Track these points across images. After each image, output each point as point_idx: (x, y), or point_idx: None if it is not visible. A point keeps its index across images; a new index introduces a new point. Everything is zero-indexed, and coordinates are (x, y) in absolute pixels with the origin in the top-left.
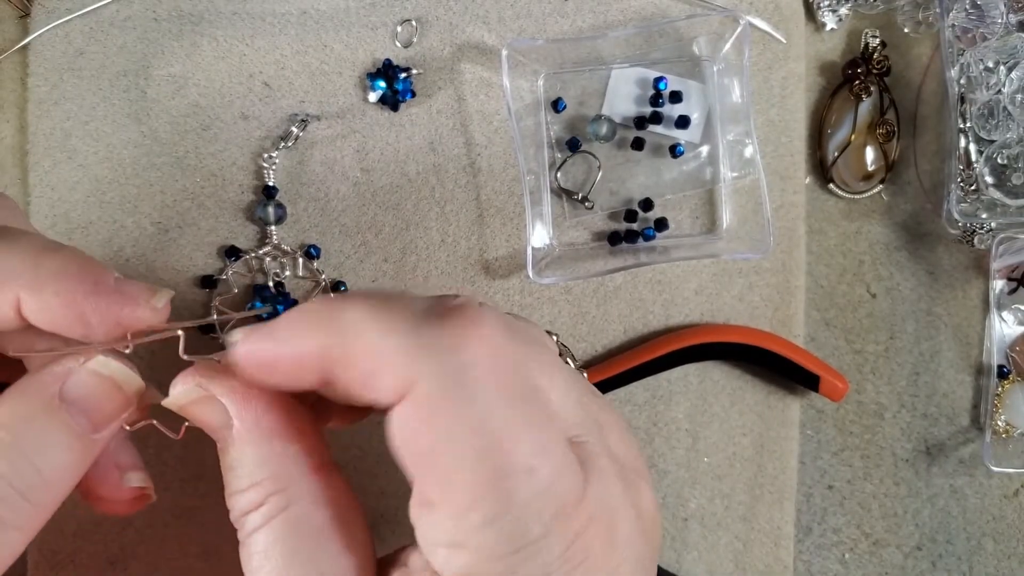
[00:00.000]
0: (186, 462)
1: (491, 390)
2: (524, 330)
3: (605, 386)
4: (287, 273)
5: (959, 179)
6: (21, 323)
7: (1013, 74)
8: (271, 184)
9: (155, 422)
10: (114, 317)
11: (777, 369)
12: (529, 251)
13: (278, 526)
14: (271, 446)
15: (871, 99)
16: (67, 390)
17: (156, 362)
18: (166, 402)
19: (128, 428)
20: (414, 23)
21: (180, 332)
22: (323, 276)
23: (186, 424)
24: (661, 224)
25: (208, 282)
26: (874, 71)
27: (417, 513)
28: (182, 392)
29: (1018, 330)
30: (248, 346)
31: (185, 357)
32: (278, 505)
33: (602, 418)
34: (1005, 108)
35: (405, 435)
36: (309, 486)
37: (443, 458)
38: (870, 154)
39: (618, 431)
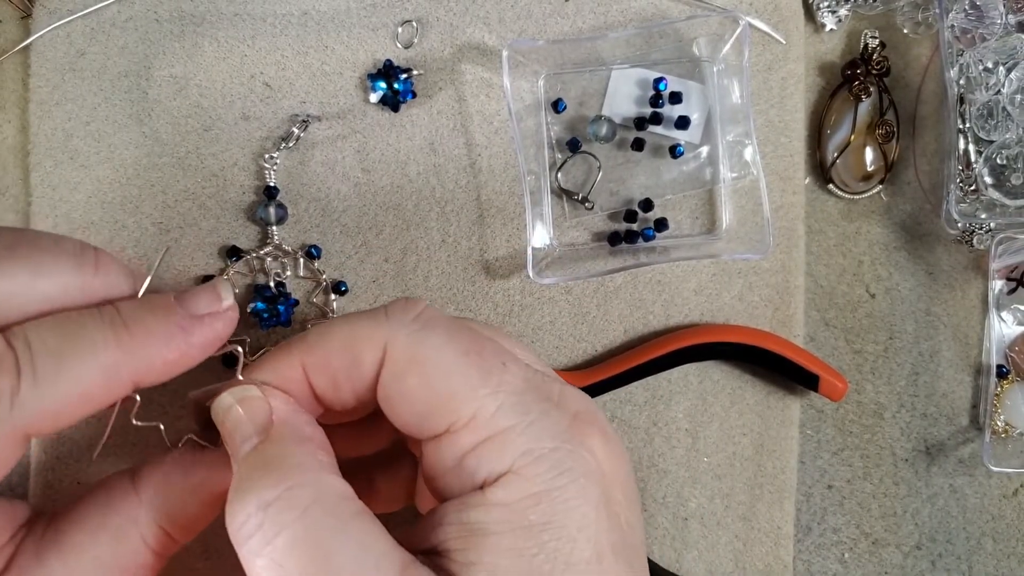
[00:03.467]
0: None
1: (446, 324)
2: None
3: (605, 386)
4: (288, 273)
5: (958, 179)
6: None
7: (1012, 75)
8: (272, 184)
9: (160, 425)
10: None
11: (777, 369)
12: (529, 251)
13: (311, 518)
14: (302, 445)
15: (870, 100)
16: (184, 297)
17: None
18: (217, 405)
19: (136, 423)
20: (415, 24)
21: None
22: (324, 276)
23: (188, 437)
24: (661, 224)
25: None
26: (873, 72)
27: (433, 449)
28: (237, 391)
29: (1017, 330)
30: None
31: (194, 394)
32: (305, 497)
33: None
34: (1004, 109)
35: (397, 387)
36: (335, 484)
37: (435, 380)
38: (869, 154)
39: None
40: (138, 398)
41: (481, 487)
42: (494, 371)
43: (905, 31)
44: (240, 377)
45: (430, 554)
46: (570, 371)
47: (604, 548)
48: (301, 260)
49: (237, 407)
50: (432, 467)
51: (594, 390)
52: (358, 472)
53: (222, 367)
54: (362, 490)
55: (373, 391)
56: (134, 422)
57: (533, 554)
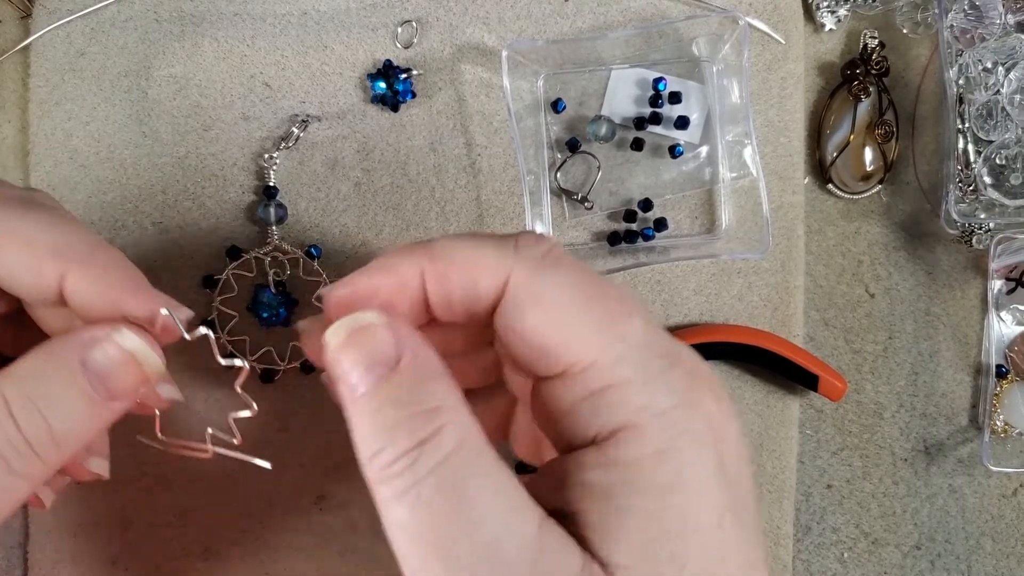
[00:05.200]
0: (187, 462)
1: (574, 266)
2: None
3: None
4: (288, 273)
5: (957, 179)
6: (56, 297)
7: (1011, 74)
8: (272, 184)
9: (184, 444)
10: (147, 317)
11: (776, 369)
12: None
13: (459, 459)
14: (440, 381)
15: (870, 99)
16: (90, 357)
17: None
18: (328, 334)
19: (161, 438)
20: (414, 24)
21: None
22: (324, 276)
23: (212, 448)
24: (660, 224)
25: (209, 282)
26: (873, 72)
27: (546, 389)
28: (352, 320)
29: (1016, 330)
30: (361, 279)
31: (321, 293)
32: (453, 437)
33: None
34: (1003, 108)
35: (517, 322)
36: (476, 427)
37: (558, 321)
38: (869, 154)
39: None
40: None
41: (594, 440)
42: (618, 321)
43: (904, 31)
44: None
45: (556, 515)
46: None
47: (724, 510)
48: (301, 260)
49: (358, 335)
50: (544, 407)
51: None
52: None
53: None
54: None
55: (488, 315)
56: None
57: (661, 516)
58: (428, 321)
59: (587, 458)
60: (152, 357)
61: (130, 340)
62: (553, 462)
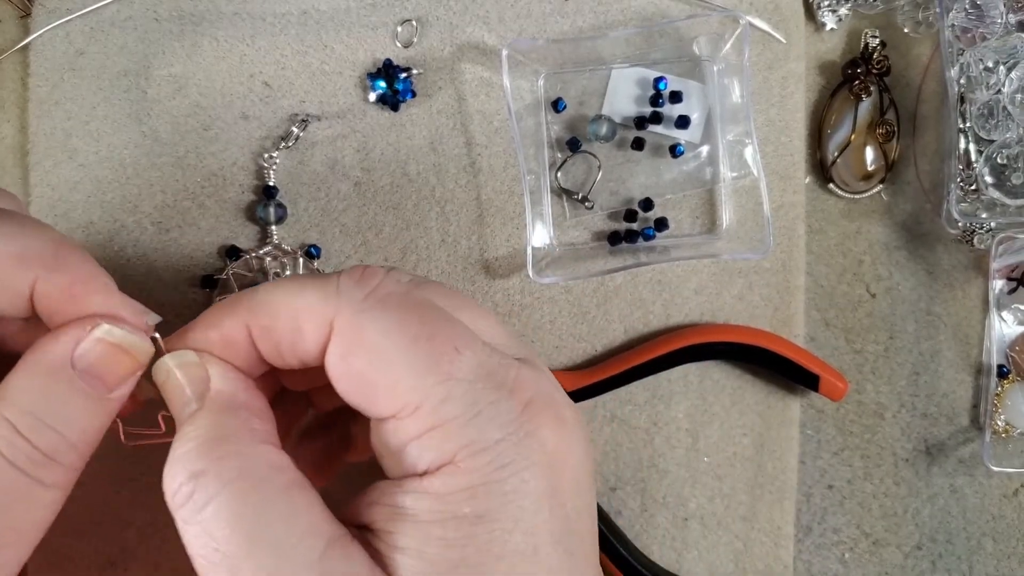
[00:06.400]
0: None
1: (399, 303)
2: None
3: (605, 386)
4: (288, 273)
5: (959, 179)
6: (28, 309)
7: (1013, 74)
8: (271, 184)
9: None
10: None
11: (777, 369)
12: (529, 251)
13: (240, 488)
14: (235, 413)
15: (871, 99)
16: (77, 356)
17: None
18: (158, 365)
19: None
20: (414, 23)
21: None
22: None
23: (162, 414)
24: (661, 224)
25: (209, 282)
26: (874, 71)
27: (379, 430)
28: (176, 355)
29: (1018, 330)
30: (190, 335)
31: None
32: (234, 466)
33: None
34: (1005, 108)
35: (343, 368)
36: (265, 454)
37: (381, 366)
38: (870, 154)
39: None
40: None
41: (422, 475)
42: (444, 359)
43: (906, 30)
44: (156, 335)
45: (363, 530)
46: (570, 371)
47: (542, 539)
48: (301, 260)
49: (176, 372)
50: (378, 446)
51: (594, 390)
52: (336, 421)
53: None
54: (340, 439)
55: (320, 361)
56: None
57: (463, 545)
58: (268, 369)
59: (406, 483)
60: (139, 343)
61: (113, 331)
62: (375, 482)
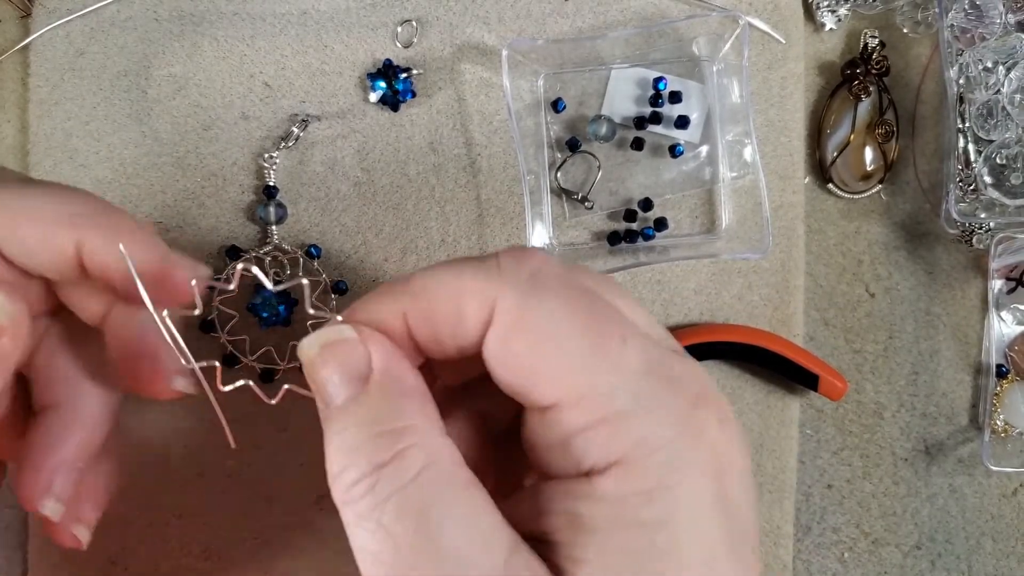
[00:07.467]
0: (188, 461)
1: (565, 286)
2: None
3: None
4: (288, 273)
5: (958, 179)
6: (78, 270)
7: (1012, 74)
8: (272, 184)
9: (251, 383)
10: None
11: (776, 368)
12: None
13: (423, 483)
14: (410, 400)
15: (870, 99)
16: None
17: None
18: (302, 347)
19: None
20: (414, 23)
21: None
22: (323, 276)
23: (286, 387)
24: (660, 224)
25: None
26: (873, 71)
27: (537, 421)
28: (325, 333)
29: (1017, 330)
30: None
31: (311, 311)
32: (418, 460)
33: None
34: (1004, 108)
35: (504, 352)
36: (447, 448)
37: (547, 350)
38: (869, 154)
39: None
40: (217, 364)
41: (587, 473)
42: (612, 348)
43: (905, 31)
44: (337, 317)
45: (534, 540)
46: None
47: (718, 546)
48: (301, 260)
49: (333, 348)
50: (534, 438)
51: None
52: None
53: None
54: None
55: (478, 347)
56: (221, 388)
57: (646, 554)
58: (422, 363)
59: (575, 488)
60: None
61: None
62: (538, 486)
